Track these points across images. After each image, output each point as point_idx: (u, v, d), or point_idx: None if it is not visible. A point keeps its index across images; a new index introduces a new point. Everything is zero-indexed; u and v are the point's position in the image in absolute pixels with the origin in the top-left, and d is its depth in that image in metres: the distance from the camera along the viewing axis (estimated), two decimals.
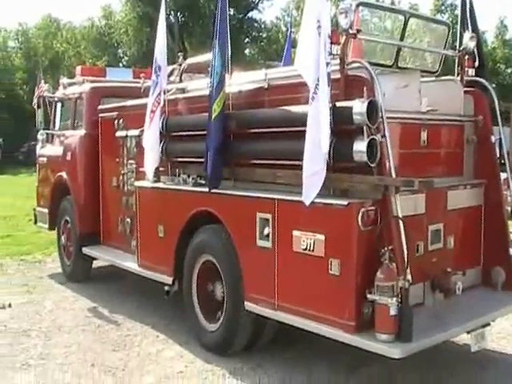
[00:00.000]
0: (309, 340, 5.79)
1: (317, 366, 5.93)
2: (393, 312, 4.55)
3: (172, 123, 7.07)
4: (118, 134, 8.42)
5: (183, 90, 7.30)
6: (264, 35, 49.55)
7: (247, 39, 47.89)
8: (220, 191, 6.10)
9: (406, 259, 4.65)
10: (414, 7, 37.31)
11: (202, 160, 6.17)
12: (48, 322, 7.58)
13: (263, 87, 5.98)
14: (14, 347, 6.67)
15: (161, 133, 7.03)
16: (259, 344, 6.21)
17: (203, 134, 6.16)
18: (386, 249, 4.63)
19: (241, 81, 6.32)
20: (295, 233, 5.19)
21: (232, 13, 39.79)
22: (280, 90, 5.80)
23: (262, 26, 49.25)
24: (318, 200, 4.83)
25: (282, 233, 5.35)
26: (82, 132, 9.28)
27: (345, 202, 4.80)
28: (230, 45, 6.15)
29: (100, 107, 9.11)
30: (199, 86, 7.01)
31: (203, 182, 6.40)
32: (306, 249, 5.08)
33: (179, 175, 6.91)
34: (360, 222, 4.71)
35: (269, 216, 5.47)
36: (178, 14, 43.14)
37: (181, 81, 7.75)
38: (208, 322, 6.44)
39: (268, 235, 5.48)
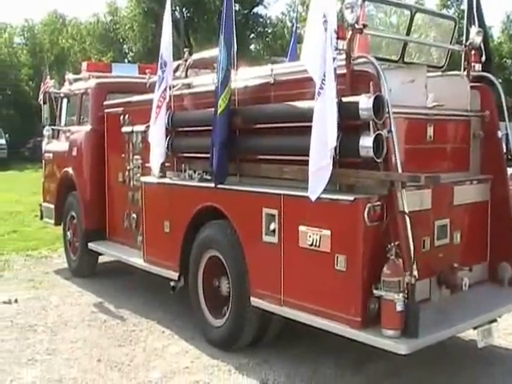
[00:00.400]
0: (315, 335, 5.78)
1: (323, 362, 5.93)
2: (399, 308, 4.54)
3: (178, 119, 7.07)
4: (124, 129, 8.42)
5: (189, 86, 7.30)
6: (269, 31, 49.49)
7: (252, 35, 47.85)
8: (226, 187, 6.09)
9: (412, 255, 4.64)
10: (419, 2, 37.15)
11: (208, 155, 6.18)
12: (54, 317, 7.60)
13: (269, 82, 5.97)
14: (21, 342, 6.70)
15: (166, 128, 7.04)
16: (265, 340, 6.22)
17: (209, 130, 6.16)
18: (392, 244, 4.62)
19: (247, 76, 6.31)
20: (301, 228, 5.18)
21: (237, 8, 39.74)
22: (286, 86, 5.79)
23: (268, 21, 49.17)
24: (324, 195, 4.83)
25: (288, 228, 5.34)
26: (87, 127, 9.29)
27: (351, 198, 4.79)
28: (235, 40, 6.14)
29: (106, 103, 9.11)
30: (205, 81, 7.01)
31: (209, 177, 6.39)
32: (312, 244, 5.08)
33: (185, 171, 6.91)
34: (366, 218, 4.70)
35: (275, 211, 5.47)
36: (184, 9, 43.13)
37: (186, 76, 7.75)
38: (214, 317, 6.44)
39: (274, 231, 5.47)
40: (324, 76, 4.70)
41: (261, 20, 48.14)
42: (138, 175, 8.07)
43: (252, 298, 5.77)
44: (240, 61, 6.45)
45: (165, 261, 7.06)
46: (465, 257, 5.66)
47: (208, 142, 6.17)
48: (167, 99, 7.01)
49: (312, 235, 5.06)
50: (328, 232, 4.94)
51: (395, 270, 4.58)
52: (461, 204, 5.72)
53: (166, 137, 7.05)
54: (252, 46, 48.11)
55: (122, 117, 8.51)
